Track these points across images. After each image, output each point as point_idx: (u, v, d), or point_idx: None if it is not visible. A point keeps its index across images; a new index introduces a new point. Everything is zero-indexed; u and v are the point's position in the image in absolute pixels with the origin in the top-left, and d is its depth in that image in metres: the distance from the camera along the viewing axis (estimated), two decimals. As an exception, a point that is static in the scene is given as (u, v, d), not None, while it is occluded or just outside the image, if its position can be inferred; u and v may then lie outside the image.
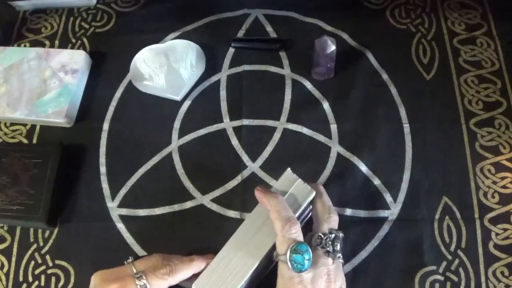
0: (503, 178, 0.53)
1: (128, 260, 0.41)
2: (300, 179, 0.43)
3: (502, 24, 0.62)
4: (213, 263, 0.41)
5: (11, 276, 0.50)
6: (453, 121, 0.56)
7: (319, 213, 0.42)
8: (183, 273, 0.41)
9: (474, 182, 0.53)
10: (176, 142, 0.56)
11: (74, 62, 0.59)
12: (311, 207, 0.44)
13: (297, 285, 0.36)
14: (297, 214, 0.41)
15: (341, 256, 0.40)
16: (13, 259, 0.51)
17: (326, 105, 0.57)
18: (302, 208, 0.42)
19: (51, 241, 0.51)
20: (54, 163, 0.52)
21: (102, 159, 0.55)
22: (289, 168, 0.44)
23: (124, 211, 0.53)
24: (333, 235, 0.39)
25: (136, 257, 0.41)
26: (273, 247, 0.40)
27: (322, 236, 0.39)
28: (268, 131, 0.56)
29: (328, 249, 0.38)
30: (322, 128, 0.56)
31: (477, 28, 0.62)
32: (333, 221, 0.41)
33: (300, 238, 0.38)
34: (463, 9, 0.64)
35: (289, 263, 0.37)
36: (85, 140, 0.57)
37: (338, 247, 0.39)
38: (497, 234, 0.50)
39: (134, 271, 0.40)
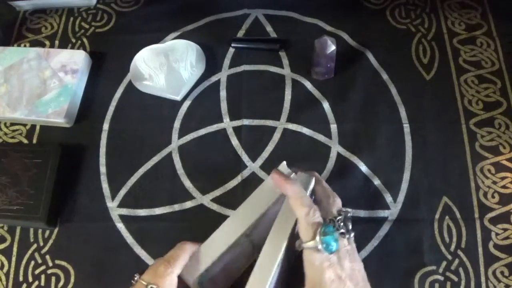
0: (503, 178, 0.53)
1: (135, 278, 0.41)
2: (296, 172, 0.43)
3: (502, 24, 0.62)
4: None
5: (11, 276, 0.50)
6: (453, 121, 0.56)
7: (323, 198, 0.42)
8: (181, 258, 0.40)
9: (474, 182, 0.53)
10: (176, 142, 0.56)
11: (74, 62, 0.59)
12: (313, 197, 0.44)
13: (328, 269, 0.36)
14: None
15: (353, 237, 0.40)
16: (13, 259, 0.51)
17: (326, 105, 0.57)
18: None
19: (51, 241, 0.51)
20: (54, 163, 0.52)
21: (102, 159, 0.55)
22: (284, 162, 0.43)
23: (124, 211, 0.53)
24: (342, 216, 0.40)
25: (141, 272, 0.41)
26: (291, 238, 0.40)
27: (334, 219, 0.39)
28: (268, 131, 0.56)
29: (342, 230, 0.38)
30: (322, 128, 0.56)
31: (477, 28, 0.62)
32: (338, 203, 0.42)
33: (321, 220, 0.39)
34: (463, 9, 0.64)
35: (320, 246, 0.37)
36: (85, 140, 0.57)
37: (350, 226, 0.39)
38: (497, 234, 0.50)
39: (144, 283, 0.40)
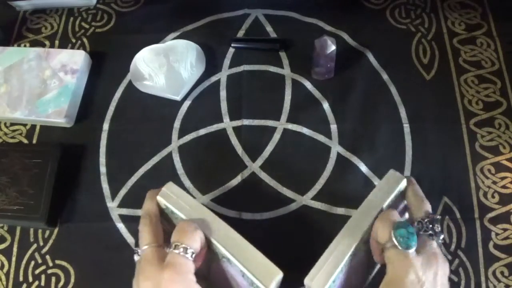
0: (503, 178, 0.53)
1: (137, 252, 0.40)
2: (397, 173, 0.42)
3: (502, 24, 0.62)
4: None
5: (11, 276, 0.50)
6: (453, 121, 0.56)
7: (413, 201, 0.42)
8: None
9: (474, 182, 0.53)
10: (176, 142, 0.56)
11: (74, 62, 0.59)
12: (405, 202, 0.44)
13: (409, 271, 0.36)
14: (388, 201, 0.41)
15: (443, 239, 0.40)
16: (13, 259, 0.51)
17: (326, 105, 0.57)
18: (393, 195, 0.41)
19: (51, 241, 0.51)
20: (54, 163, 0.52)
21: (102, 159, 0.55)
22: (391, 170, 0.43)
23: (124, 211, 0.53)
24: (430, 218, 0.39)
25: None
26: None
27: (422, 221, 0.39)
28: (268, 131, 0.56)
29: (430, 232, 0.38)
30: (322, 128, 0.56)
31: (477, 28, 0.62)
32: (427, 207, 0.41)
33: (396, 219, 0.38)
34: (463, 9, 0.64)
35: (395, 240, 0.36)
36: (85, 140, 0.57)
37: (440, 228, 0.39)
38: (497, 234, 0.50)
39: (179, 247, 0.37)
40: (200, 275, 0.38)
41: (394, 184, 0.41)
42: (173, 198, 0.41)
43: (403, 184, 0.42)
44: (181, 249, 0.36)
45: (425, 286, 0.36)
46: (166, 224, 0.42)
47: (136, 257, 0.40)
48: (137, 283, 0.37)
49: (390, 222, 0.38)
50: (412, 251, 0.36)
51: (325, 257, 0.38)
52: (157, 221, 0.40)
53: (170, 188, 0.41)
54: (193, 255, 0.37)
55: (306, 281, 0.37)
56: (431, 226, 0.38)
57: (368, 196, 0.41)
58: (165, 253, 0.38)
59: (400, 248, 0.36)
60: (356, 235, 0.38)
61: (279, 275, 0.37)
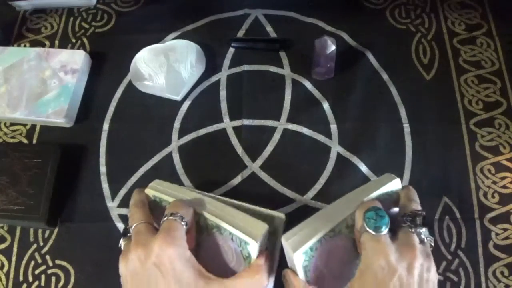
0: (503, 178, 0.53)
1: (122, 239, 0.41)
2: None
3: (502, 24, 0.62)
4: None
5: (11, 276, 0.50)
6: (453, 121, 0.56)
7: (403, 201, 0.41)
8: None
9: (474, 182, 0.53)
10: (176, 142, 0.56)
11: (74, 62, 0.59)
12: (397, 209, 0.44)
13: (380, 255, 0.36)
14: (378, 192, 0.41)
15: (429, 239, 0.39)
16: (13, 259, 0.51)
17: (326, 105, 0.57)
18: (384, 188, 0.42)
19: (51, 241, 0.52)
20: (54, 163, 0.52)
21: (102, 159, 0.55)
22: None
23: (124, 211, 0.53)
24: (413, 213, 0.39)
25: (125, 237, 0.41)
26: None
27: (404, 214, 0.39)
28: (268, 131, 0.56)
29: (409, 223, 0.38)
30: (322, 128, 0.56)
31: (477, 28, 0.62)
32: (415, 206, 0.41)
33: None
34: (463, 9, 0.64)
35: (364, 223, 0.37)
36: (85, 140, 0.57)
37: (420, 222, 0.38)
38: (497, 234, 0.50)
39: (172, 216, 0.38)
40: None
41: (387, 180, 0.42)
42: (160, 188, 0.44)
43: (397, 183, 0.42)
44: (178, 217, 0.38)
45: (397, 274, 0.35)
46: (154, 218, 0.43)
47: (122, 242, 0.41)
48: (126, 256, 0.38)
49: (366, 208, 0.38)
50: (383, 235, 0.37)
51: (304, 224, 0.39)
52: (147, 208, 0.42)
53: (157, 182, 0.45)
54: (187, 226, 0.38)
55: (283, 240, 0.38)
56: (410, 219, 0.38)
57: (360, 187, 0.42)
58: (157, 231, 0.38)
59: (368, 229, 0.37)
60: (338, 216, 0.40)
61: (264, 228, 0.39)
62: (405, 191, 0.42)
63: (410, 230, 0.38)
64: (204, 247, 0.42)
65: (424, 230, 0.38)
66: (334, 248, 0.40)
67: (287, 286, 0.40)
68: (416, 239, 0.37)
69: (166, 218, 0.38)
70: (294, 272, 0.39)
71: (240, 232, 0.38)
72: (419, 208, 0.41)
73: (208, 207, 0.41)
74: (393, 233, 0.38)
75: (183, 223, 0.38)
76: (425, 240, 0.38)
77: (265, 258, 0.39)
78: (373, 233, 0.37)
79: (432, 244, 0.39)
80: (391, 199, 0.42)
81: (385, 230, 0.37)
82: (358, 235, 0.38)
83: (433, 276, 0.37)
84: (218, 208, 0.41)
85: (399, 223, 0.39)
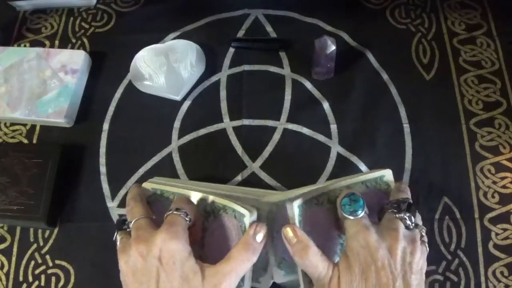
0: (503, 178, 0.53)
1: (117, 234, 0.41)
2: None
3: (502, 24, 0.62)
4: None
5: (11, 276, 0.50)
6: (453, 121, 0.56)
7: (392, 193, 0.42)
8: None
9: (474, 182, 0.53)
10: (176, 142, 0.56)
11: (74, 62, 0.59)
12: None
13: (359, 234, 0.37)
14: (366, 178, 0.43)
15: (420, 228, 0.39)
16: (13, 259, 0.51)
17: (326, 105, 0.57)
18: (374, 175, 0.43)
19: (51, 241, 0.52)
20: (54, 163, 0.53)
21: (102, 159, 0.55)
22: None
23: (124, 211, 0.52)
24: (399, 200, 0.40)
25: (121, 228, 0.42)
26: None
27: (390, 202, 0.40)
28: (268, 131, 0.56)
29: (393, 210, 0.39)
30: (322, 128, 0.56)
31: (477, 28, 0.62)
32: (402, 195, 0.41)
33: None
34: (463, 9, 0.64)
35: (342, 210, 0.38)
36: (85, 140, 0.57)
37: (403, 207, 0.39)
38: (497, 234, 0.50)
39: (175, 212, 0.39)
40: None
41: (378, 169, 0.44)
42: (160, 181, 0.45)
43: (387, 173, 0.43)
44: (182, 212, 0.38)
45: (379, 254, 0.36)
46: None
47: (118, 236, 0.41)
48: (127, 252, 0.38)
49: (341, 197, 0.40)
50: (361, 218, 0.38)
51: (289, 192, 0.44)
52: (145, 202, 0.43)
53: (155, 178, 0.46)
54: (190, 222, 0.39)
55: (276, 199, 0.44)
56: (396, 205, 0.39)
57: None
58: (157, 226, 0.39)
59: (345, 215, 0.38)
60: (322, 189, 0.42)
61: (260, 203, 0.44)
62: (397, 184, 0.43)
63: (394, 215, 0.39)
64: (212, 231, 0.43)
65: (408, 215, 0.39)
66: (316, 217, 0.41)
67: (289, 243, 0.39)
68: (399, 224, 0.38)
69: (170, 212, 0.39)
70: (296, 226, 0.39)
71: (238, 205, 0.40)
72: (406, 196, 0.41)
73: (214, 191, 0.43)
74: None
75: (187, 218, 0.38)
76: (411, 226, 0.39)
77: (254, 230, 0.39)
78: (351, 217, 0.38)
79: (423, 234, 0.40)
80: (381, 189, 0.43)
81: (361, 213, 0.38)
82: (342, 224, 0.40)
83: (418, 261, 0.37)
84: (224, 190, 0.44)
85: (386, 209, 0.40)
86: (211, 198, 0.42)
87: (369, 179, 0.43)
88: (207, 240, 0.42)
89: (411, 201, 0.40)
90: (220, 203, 0.41)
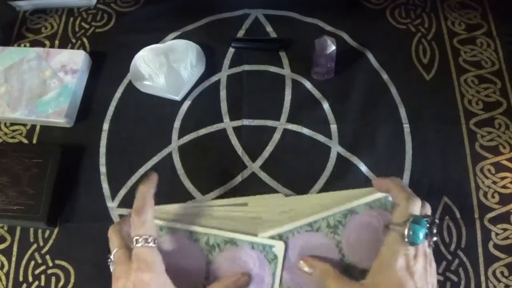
0: (503, 178, 0.53)
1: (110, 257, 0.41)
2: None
3: (502, 24, 0.62)
4: None
5: (11, 276, 0.50)
6: (453, 121, 0.56)
7: (399, 199, 0.41)
8: (147, 203, 0.41)
9: (474, 182, 0.53)
10: (176, 142, 0.56)
11: (74, 62, 0.59)
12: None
13: (402, 257, 0.37)
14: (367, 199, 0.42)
15: (433, 245, 0.40)
16: (13, 259, 0.51)
17: (326, 105, 0.57)
18: (374, 197, 0.42)
19: (51, 241, 0.52)
20: (54, 163, 0.52)
21: (102, 159, 0.55)
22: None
23: (124, 211, 0.53)
24: (430, 219, 0.39)
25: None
26: None
27: (425, 217, 0.39)
28: (268, 131, 0.56)
29: (426, 231, 0.38)
30: (322, 128, 0.56)
31: (477, 28, 0.62)
32: (428, 208, 0.41)
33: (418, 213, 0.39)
34: (463, 9, 0.64)
35: (406, 232, 0.37)
36: (85, 140, 0.57)
37: (435, 231, 0.39)
38: (497, 234, 0.50)
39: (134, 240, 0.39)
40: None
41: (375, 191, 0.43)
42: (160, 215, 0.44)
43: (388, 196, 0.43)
44: (141, 241, 0.38)
45: (416, 276, 0.36)
46: None
47: (111, 267, 0.41)
48: (115, 286, 0.39)
49: (412, 210, 0.38)
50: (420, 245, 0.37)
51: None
52: (121, 233, 0.42)
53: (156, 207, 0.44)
54: (155, 241, 0.39)
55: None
56: (429, 226, 0.39)
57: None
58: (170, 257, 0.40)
59: (407, 241, 0.37)
60: (317, 213, 0.41)
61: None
62: (404, 194, 0.41)
63: (426, 238, 0.38)
64: (219, 264, 0.43)
65: (435, 240, 0.40)
66: (309, 243, 0.41)
67: (313, 272, 0.40)
68: (428, 247, 0.39)
69: (133, 246, 0.39)
70: (312, 257, 0.40)
71: (261, 239, 0.40)
72: (429, 208, 0.41)
73: (213, 223, 0.42)
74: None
75: (150, 243, 0.38)
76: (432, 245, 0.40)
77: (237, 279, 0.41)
78: (409, 246, 0.37)
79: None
80: (386, 209, 0.42)
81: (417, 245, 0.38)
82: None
83: (434, 279, 0.39)
84: (223, 220, 0.42)
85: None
86: (214, 232, 0.42)
87: (374, 200, 0.42)
88: (214, 273, 0.42)
89: (437, 220, 0.41)
90: (227, 237, 0.41)
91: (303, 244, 0.40)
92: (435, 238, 0.39)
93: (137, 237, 0.38)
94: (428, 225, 0.38)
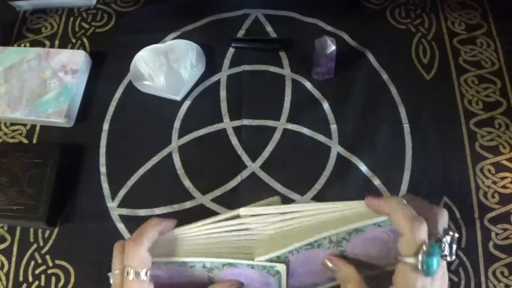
0: (503, 178, 0.53)
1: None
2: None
3: (502, 24, 0.62)
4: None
5: (11, 276, 0.50)
6: (453, 121, 0.56)
7: (424, 213, 0.36)
8: (148, 232, 0.39)
9: (474, 182, 0.53)
10: (176, 142, 0.56)
11: (74, 62, 0.59)
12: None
13: (417, 284, 0.33)
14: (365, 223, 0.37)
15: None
16: (13, 259, 0.51)
17: (326, 105, 0.57)
18: (372, 221, 0.37)
19: (51, 241, 0.52)
20: (54, 163, 0.52)
21: (102, 159, 0.55)
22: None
23: (124, 211, 0.53)
24: (450, 237, 0.36)
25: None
26: None
27: (440, 239, 0.36)
28: (268, 131, 0.56)
29: (446, 253, 0.35)
30: (322, 128, 0.56)
31: (477, 28, 0.62)
32: (445, 219, 0.38)
33: (427, 238, 0.35)
34: (463, 9, 0.64)
35: (420, 266, 0.33)
36: (85, 140, 0.57)
37: (455, 248, 0.36)
38: (497, 234, 0.50)
39: (119, 270, 0.37)
40: None
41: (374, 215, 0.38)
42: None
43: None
44: (132, 274, 0.36)
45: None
46: None
47: (111, 280, 0.40)
48: None
49: (420, 241, 0.34)
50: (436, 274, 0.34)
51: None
52: (123, 255, 0.40)
53: None
54: (147, 273, 0.36)
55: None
56: (448, 246, 0.36)
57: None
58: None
59: (423, 274, 0.33)
60: (318, 233, 0.37)
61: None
62: (405, 222, 0.35)
63: (445, 259, 0.35)
64: (220, 279, 0.41)
65: (454, 258, 0.36)
66: (309, 258, 0.39)
67: (337, 272, 0.38)
68: (445, 264, 0.36)
69: (125, 276, 0.37)
70: (338, 258, 0.37)
71: (262, 262, 0.38)
72: (446, 217, 0.38)
73: (204, 249, 0.40)
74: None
75: (141, 277, 0.36)
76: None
77: None
78: (423, 276, 0.33)
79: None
80: (394, 226, 0.40)
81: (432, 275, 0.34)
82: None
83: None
84: (216, 245, 0.40)
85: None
86: (209, 260, 0.39)
87: (383, 221, 0.37)
88: None
89: (457, 235, 0.37)
90: (224, 262, 0.39)
91: (305, 260, 0.40)
92: (454, 257, 0.35)
93: (129, 268, 0.37)
94: (444, 244, 0.35)
